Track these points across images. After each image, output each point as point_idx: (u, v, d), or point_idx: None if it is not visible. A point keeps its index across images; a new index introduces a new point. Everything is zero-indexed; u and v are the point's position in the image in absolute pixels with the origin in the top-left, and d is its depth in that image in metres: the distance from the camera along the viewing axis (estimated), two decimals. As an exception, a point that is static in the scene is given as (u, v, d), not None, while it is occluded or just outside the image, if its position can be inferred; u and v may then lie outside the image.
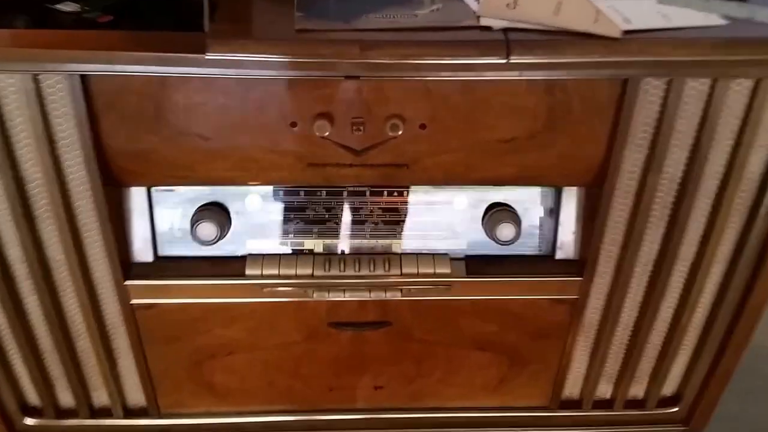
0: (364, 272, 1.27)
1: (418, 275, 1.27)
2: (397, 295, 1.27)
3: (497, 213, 1.26)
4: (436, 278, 1.27)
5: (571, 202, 1.26)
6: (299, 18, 1.04)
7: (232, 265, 1.26)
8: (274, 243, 1.28)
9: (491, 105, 1.09)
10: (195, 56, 0.97)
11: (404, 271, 1.27)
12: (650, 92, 1.01)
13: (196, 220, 1.20)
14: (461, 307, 1.32)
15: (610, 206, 1.18)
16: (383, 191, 1.26)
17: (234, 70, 1.00)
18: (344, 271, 1.26)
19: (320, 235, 1.28)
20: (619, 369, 1.37)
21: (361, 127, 1.10)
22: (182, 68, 0.98)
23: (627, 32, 0.96)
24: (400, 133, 1.09)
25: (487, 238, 1.27)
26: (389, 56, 1.00)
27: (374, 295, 1.27)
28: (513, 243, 1.26)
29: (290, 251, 1.29)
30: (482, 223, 1.28)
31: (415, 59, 1.01)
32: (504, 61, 1.01)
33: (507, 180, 1.22)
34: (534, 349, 1.38)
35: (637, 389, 1.39)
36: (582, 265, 1.28)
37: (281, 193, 1.24)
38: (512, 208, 1.27)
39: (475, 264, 1.30)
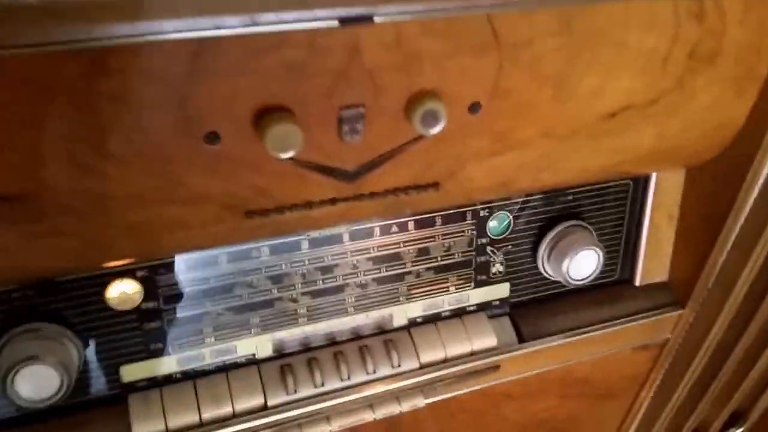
0: (357, 377, 0.70)
1: (446, 362, 0.73)
2: (419, 403, 0.72)
3: (565, 235, 0.74)
4: (475, 360, 0.74)
5: (666, 195, 0.77)
6: None
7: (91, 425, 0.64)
8: (173, 361, 0.67)
9: (602, 49, 0.56)
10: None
11: (424, 359, 0.72)
12: None
13: (8, 367, 0.55)
14: (509, 390, 0.81)
15: (751, 193, 0.71)
16: (373, 229, 0.69)
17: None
18: (322, 384, 0.69)
19: (265, 326, 0.69)
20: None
21: (359, 125, 0.52)
22: None
23: None
24: (440, 126, 0.52)
25: (539, 272, 0.76)
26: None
27: (381, 413, 0.71)
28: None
29: (212, 367, 0.68)
30: (539, 254, 0.75)
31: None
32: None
33: (588, 177, 0.70)
34: (592, 417, 0.90)
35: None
36: (682, 290, 0.80)
37: (182, 265, 0.63)
38: (584, 222, 0.75)
39: (527, 319, 0.78)
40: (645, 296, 0.82)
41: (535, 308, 0.79)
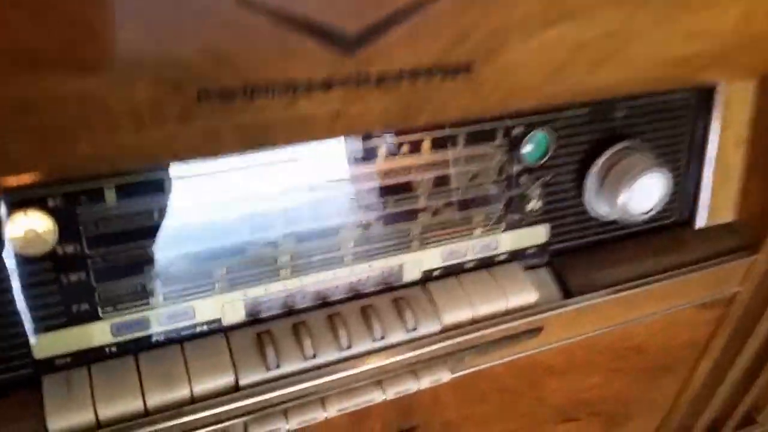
0: (361, 346, 0.53)
1: (475, 324, 0.56)
2: (442, 377, 0.55)
3: (619, 160, 0.57)
4: (511, 320, 0.56)
5: (734, 114, 0.61)
6: None
7: None
8: (105, 330, 0.49)
9: None
10: None
11: (446, 320, 0.55)
12: None
13: None
14: (552, 361, 0.64)
15: None
16: (378, 147, 0.51)
17: None
18: (313, 356, 0.51)
19: (234, 281, 0.51)
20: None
21: None
22: None
23: None
24: None
25: (585, 210, 0.59)
26: None
27: (394, 392, 0.54)
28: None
29: (161, 338, 0.50)
30: (586, 184, 0.59)
31: None
32: None
33: (653, 77, 0.53)
34: (642, 398, 0.74)
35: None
36: (753, 233, 0.64)
37: (114, 192, 0.45)
38: (638, 142, 0.59)
39: (572, 270, 0.61)
40: (709, 241, 0.66)
41: (580, 258, 0.62)
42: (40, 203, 0.44)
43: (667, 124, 0.62)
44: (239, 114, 0.39)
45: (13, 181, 0.42)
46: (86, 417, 0.46)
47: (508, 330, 0.57)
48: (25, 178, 0.42)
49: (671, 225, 0.67)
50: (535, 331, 0.58)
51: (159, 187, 0.46)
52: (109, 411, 0.47)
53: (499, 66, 0.44)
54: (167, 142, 0.40)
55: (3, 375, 0.47)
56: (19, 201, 0.43)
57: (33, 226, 0.44)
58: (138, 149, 0.40)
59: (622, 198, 0.57)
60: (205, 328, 0.52)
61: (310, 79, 0.39)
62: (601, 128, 0.58)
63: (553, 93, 0.49)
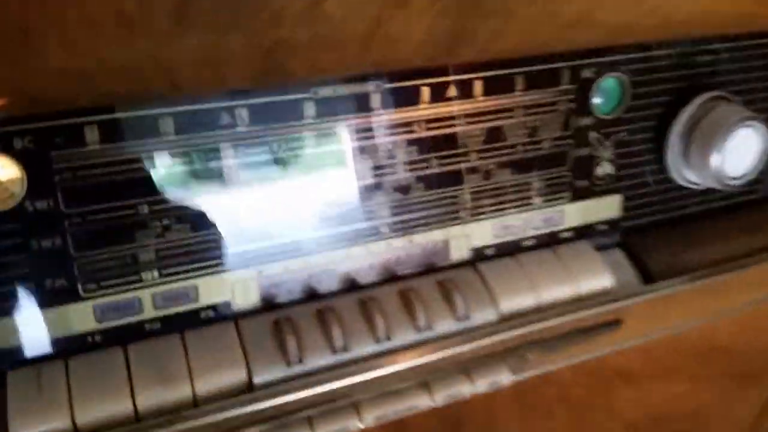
0: (403, 337, 0.43)
1: (540, 313, 0.45)
2: (501, 379, 0.45)
3: (707, 112, 0.48)
4: (582, 309, 0.46)
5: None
6: None
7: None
8: (86, 313, 0.39)
9: None
10: None
11: (505, 307, 0.45)
12: None
13: None
14: (629, 364, 0.53)
15: None
16: (419, 89, 0.42)
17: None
18: (344, 349, 0.41)
19: (246, 254, 0.41)
20: None
21: None
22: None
23: None
24: None
25: (666, 175, 0.50)
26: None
27: (443, 396, 0.43)
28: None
29: (156, 326, 0.41)
30: (669, 142, 0.49)
31: None
32: None
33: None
34: (723, 414, 0.63)
35: None
36: None
37: (96, 130, 0.36)
38: (728, 94, 0.49)
39: (652, 251, 0.51)
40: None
41: (659, 236, 0.52)
42: (3, 144, 0.35)
43: (756, 75, 0.52)
44: (249, 18, 0.30)
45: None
46: (60, 422, 0.36)
47: (581, 321, 0.46)
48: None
49: (761, 200, 0.56)
50: (613, 324, 0.48)
51: (153, 126, 0.37)
52: (89, 414, 0.37)
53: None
54: (157, 52, 0.31)
55: (-43, 370, 0.38)
56: (-26, 140, 0.34)
57: (-6, 173, 0.35)
58: (121, 61, 0.31)
59: (715, 156, 0.47)
60: (210, 313, 0.42)
61: (341, -37, 0.30)
62: (684, 76, 0.49)
63: (626, 21, 0.40)
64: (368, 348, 0.42)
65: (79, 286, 0.38)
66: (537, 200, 0.48)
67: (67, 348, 0.39)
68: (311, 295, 0.44)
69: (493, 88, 0.44)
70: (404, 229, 0.45)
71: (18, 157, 0.35)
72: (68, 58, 0.30)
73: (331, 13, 0.32)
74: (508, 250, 0.48)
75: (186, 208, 0.39)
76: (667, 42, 0.48)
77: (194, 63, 0.33)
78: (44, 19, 0.27)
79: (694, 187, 0.51)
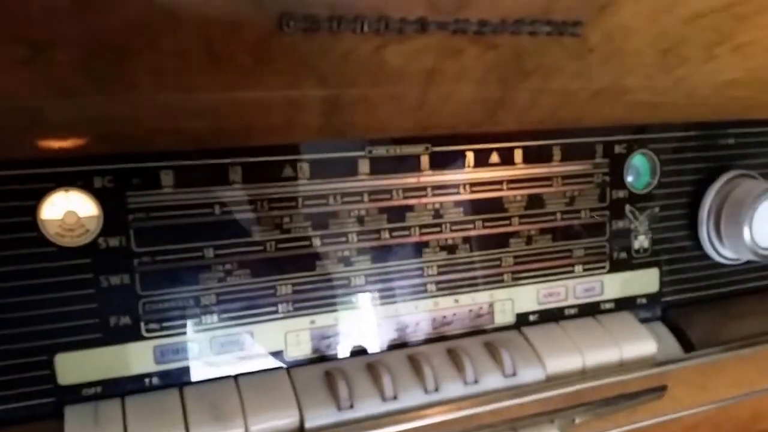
0: (450, 389, 0.43)
1: (586, 376, 0.46)
2: (547, 444, 0.44)
3: (735, 187, 0.51)
4: (628, 373, 0.46)
5: None
6: None
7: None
8: (147, 354, 0.40)
9: None
10: None
11: (552, 367, 0.45)
12: None
13: None
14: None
15: None
16: (464, 154, 0.46)
17: None
18: (394, 397, 0.42)
19: (299, 302, 0.43)
20: None
21: None
22: None
23: None
24: None
25: (700, 250, 0.52)
26: None
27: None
28: (779, 252, 0.51)
29: (212, 370, 0.42)
30: (701, 216, 0.51)
31: None
32: None
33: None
34: None
35: None
36: None
37: (171, 176, 0.39)
38: (751, 172, 0.53)
39: (691, 323, 0.51)
40: None
41: (699, 311, 0.53)
42: (84, 182, 0.38)
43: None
44: (321, 51, 0.34)
45: (54, 144, 0.36)
46: (113, 454, 0.37)
47: (626, 386, 0.46)
48: (67, 143, 0.36)
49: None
50: (657, 391, 0.47)
51: (223, 174, 0.41)
52: (142, 448, 0.37)
53: (608, 28, 0.39)
54: (238, 84, 0.35)
55: (18, 403, 0.38)
56: (59, 176, 0.38)
57: (74, 208, 0.38)
58: (203, 97, 0.35)
59: (745, 227, 0.49)
60: (264, 362, 0.43)
61: (404, 18, 0.35)
62: (710, 156, 0.52)
63: (664, 87, 0.44)
64: (417, 398, 0.42)
65: (142, 326, 0.40)
66: (578, 268, 0.50)
67: (125, 388, 0.40)
68: (361, 351, 0.45)
69: (532, 156, 0.47)
70: (450, 288, 0.46)
71: (97, 195, 0.38)
72: (155, 88, 0.33)
73: (392, 57, 0.36)
74: (552, 317, 0.49)
75: (247, 254, 0.42)
76: (694, 124, 0.51)
77: (267, 106, 0.36)
78: (139, 40, 0.31)
79: (731, 263, 0.53)
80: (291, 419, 0.40)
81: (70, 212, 0.38)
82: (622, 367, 0.47)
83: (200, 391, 0.40)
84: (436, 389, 0.43)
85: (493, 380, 0.44)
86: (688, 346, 0.50)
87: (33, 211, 0.37)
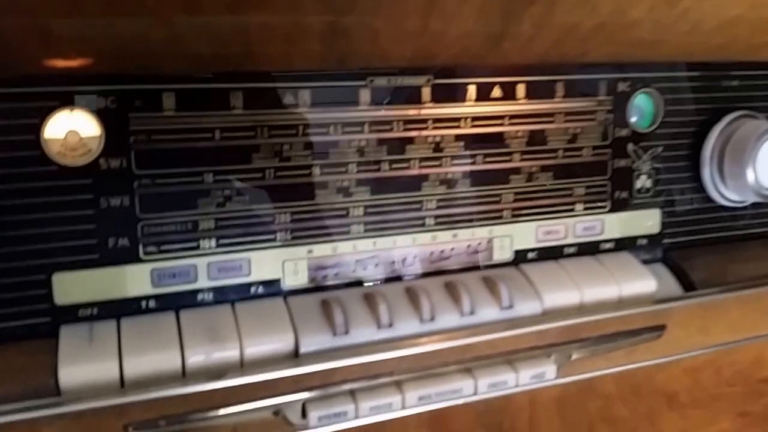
0: (447, 319, 0.43)
1: (583, 312, 0.46)
2: (546, 372, 0.44)
3: (738, 127, 0.50)
4: (626, 308, 0.46)
5: None
6: None
7: None
8: (144, 276, 0.40)
9: None
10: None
11: (549, 302, 0.45)
12: None
13: None
14: (672, 386, 0.52)
15: None
16: (466, 87, 0.45)
17: None
18: (390, 325, 0.42)
19: (298, 231, 0.43)
20: None
21: None
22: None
23: None
24: None
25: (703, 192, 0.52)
26: None
27: (487, 383, 0.43)
28: (783, 195, 0.50)
29: (208, 297, 0.42)
30: (704, 157, 0.51)
31: None
32: None
33: None
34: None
35: None
36: None
37: (173, 100, 0.39)
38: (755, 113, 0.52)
39: (691, 264, 0.51)
40: None
41: (700, 253, 0.52)
42: (87, 102, 0.38)
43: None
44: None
45: (59, 63, 0.36)
46: (108, 370, 0.37)
47: (624, 322, 0.46)
48: (73, 61, 0.36)
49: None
50: (656, 330, 0.47)
51: (224, 100, 0.40)
52: (138, 365, 0.38)
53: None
54: (241, 6, 0.35)
55: (14, 321, 0.39)
56: (64, 95, 0.38)
57: (77, 127, 0.38)
58: (208, 20, 0.34)
59: (749, 168, 0.48)
60: (261, 289, 0.43)
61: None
62: (714, 97, 0.52)
63: (667, 21, 0.43)
64: (413, 327, 0.42)
65: (141, 248, 0.40)
66: (578, 206, 0.49)
67: (121, 309, 0.40)
68: (358, 283, 0.45)
69: (535, 91, 0.47)
70: (449, 222, 0.46)
71: (99, 115, 0.38)
72: (162, 7, 0.33)
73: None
74: (550, 255, 0.49)
75: (247, 180, 0.42)
76: (698, 64, 0.51)
77: (269, 30, 0.36)
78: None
79: (735, 205, 0.52)
80: (286, 343, 0.40)
81: (73, 132, 0.38)
82: (621, 304, 0.47)
83: (196, 315, 0.41)
84: (432, 319, 0.43)
85: (489, 312, 0.44)
86: (689, 286, 0.50)
87: (36, 129, 0.37)
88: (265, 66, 0.40)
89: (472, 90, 0.45)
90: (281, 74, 0.41)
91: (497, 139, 0.46)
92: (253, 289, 0.43)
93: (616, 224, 0.50)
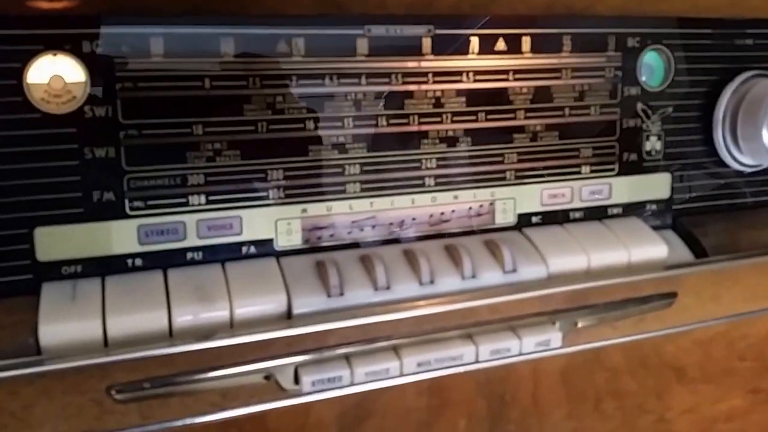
0: (446, 282, 0.41)
1: (590, 277, 0.44)
2: (551, 340, 0.42)
3: (752, 87, 0.48)
4: (636, 275, 0.44)
5: None
6: None
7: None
8: (130, 233, 0.38)
9: None
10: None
11: (554, 266, 0.44)
12: None
13: None
14: (682, 359, 0.50)
15: None
16: (468, 39, 0.43)
17: None
18: (387, 287, 0.40)
19: (291, 189, 0.41)
20: None
21: None
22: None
23: None
24: None
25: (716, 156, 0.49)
26: None
27: (489, 349, 0.41)
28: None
29: (197, 255, 0.40)
30: (716, 118, 0.49)
31: None
32: None
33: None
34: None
35: None
36: None
37: (161, 43, 0.37)
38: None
39: (703, 230, 0.49)
40: None
41: (712, 220, 0.50)
42: (72, 46, 0.36)
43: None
44: None
45: (43, 4, 0.34)
46: (91, 329, 0.35)
47: (633, 289, 0.44)
48: (59, 3, 0.34)
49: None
50: (667, 297, 0.45)
51: (214, 45, 0.38)
52: (122, 324, 0.36)
53: None
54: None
55: (-5, 278, 0.37)
56: (47, 38, 0.36)
57: (61, 72, 0.36)
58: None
59: (764, 128, 0.46)
60: (252, 249, 0.41)
61: None
62: (727, 56, 0.49)
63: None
64: (411, 290, 0.40)
65: (127, 203, 0.38)
66: (585, 169, 0.47)
67: (106, 267, 0.38)
68: (354, 245, 0.43)
69: (540, 46, 0.45)
70: (450, 183, 0.44)
71: (85, 60, 0.36)
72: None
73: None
74: (555, 219, 0.47)
75: (237, 133, 0.40)
76: (711, 21, 0.49)
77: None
78: None
79: (748, 170, 0.50)
80: (278, 304, 0.38)
81: (57, 77, 0.36)
82: (630, 269, 0.45)
83: (185, 274, 0.39)
84: (432, 282, 0.41)
85: (491, 276, 0.42)
86: (700, 253, 0.48)
87: (19, 73, 0.35)
88: (257, 9, 0.38)
89: (474, 42, 0.43)
90: (274, 19, 0.39)
91: (501, 94, 0.44)
92: (244, 249, 0.41)
93: (624, 188, 0.48)
